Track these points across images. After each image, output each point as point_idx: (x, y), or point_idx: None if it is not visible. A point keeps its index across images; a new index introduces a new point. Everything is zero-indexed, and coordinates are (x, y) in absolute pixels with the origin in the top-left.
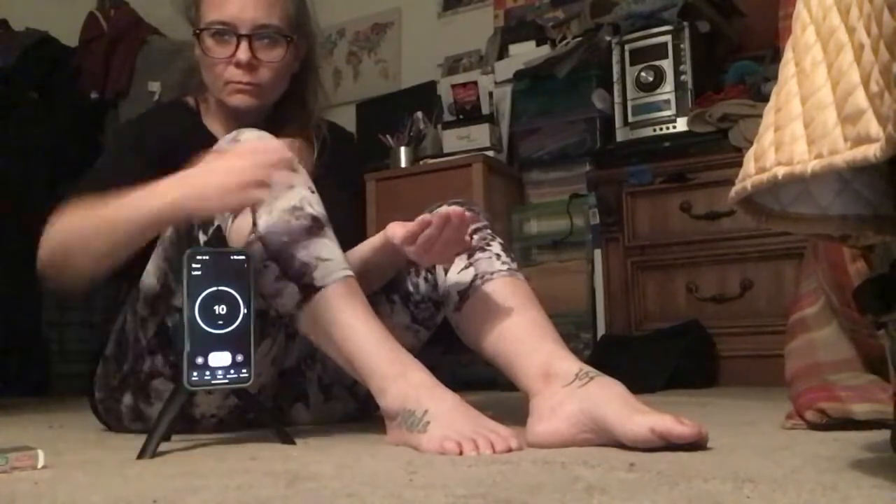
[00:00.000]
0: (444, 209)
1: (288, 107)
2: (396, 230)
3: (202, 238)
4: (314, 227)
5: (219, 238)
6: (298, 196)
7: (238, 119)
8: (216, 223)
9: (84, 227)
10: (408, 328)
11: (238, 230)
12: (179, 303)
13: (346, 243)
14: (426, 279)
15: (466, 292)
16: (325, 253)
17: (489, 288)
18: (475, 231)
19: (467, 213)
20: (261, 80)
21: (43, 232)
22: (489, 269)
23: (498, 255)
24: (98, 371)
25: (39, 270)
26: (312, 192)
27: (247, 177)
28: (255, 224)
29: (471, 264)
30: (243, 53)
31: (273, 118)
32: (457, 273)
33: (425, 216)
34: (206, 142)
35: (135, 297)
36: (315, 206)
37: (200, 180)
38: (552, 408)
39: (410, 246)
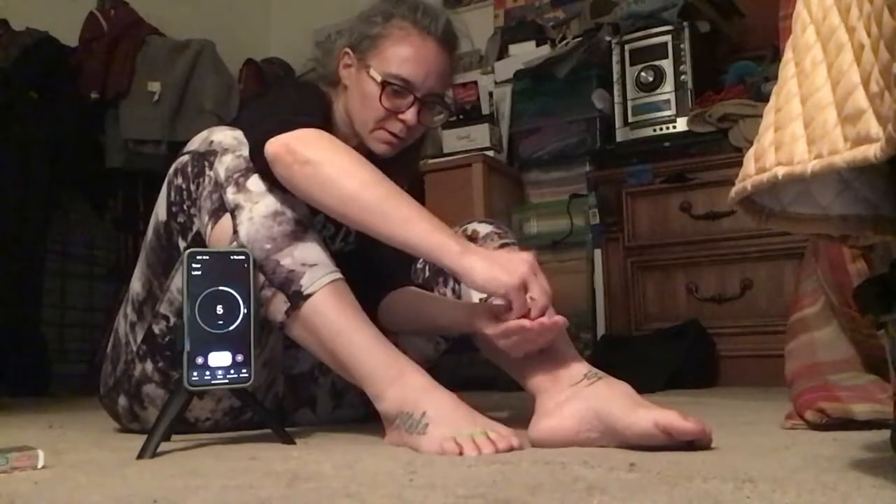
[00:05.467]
0: (555, 318)
1: (402, 155)
2: (489, 325)
3: (182, 245)
4: (297, 231)
5: (199, 246)
6: (279, 199)
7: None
8: (195, 228)
9: (362, 185)
10: (430, 339)
11: (218, 238)
12: (164, 309)
13: (402, 270)
14: (453, 290)
15: (487, 299)
16: (311, 257)
17: None
18: (503, 246)
19: (496, 231)
20: (411, 137)
21: (285, 121)
22: None
23: None
24: (102, 368)
25: (267, 150)
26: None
27: (522, 275)
28: (235, 232)
29: None
30: (412, 116)
31: (386, 162)
32: None
33: (524, 322)
34: None
35: (127, 299)
36: (297, 209)
37: (485, 253)
38: (558, 405)
39: (503, 340)
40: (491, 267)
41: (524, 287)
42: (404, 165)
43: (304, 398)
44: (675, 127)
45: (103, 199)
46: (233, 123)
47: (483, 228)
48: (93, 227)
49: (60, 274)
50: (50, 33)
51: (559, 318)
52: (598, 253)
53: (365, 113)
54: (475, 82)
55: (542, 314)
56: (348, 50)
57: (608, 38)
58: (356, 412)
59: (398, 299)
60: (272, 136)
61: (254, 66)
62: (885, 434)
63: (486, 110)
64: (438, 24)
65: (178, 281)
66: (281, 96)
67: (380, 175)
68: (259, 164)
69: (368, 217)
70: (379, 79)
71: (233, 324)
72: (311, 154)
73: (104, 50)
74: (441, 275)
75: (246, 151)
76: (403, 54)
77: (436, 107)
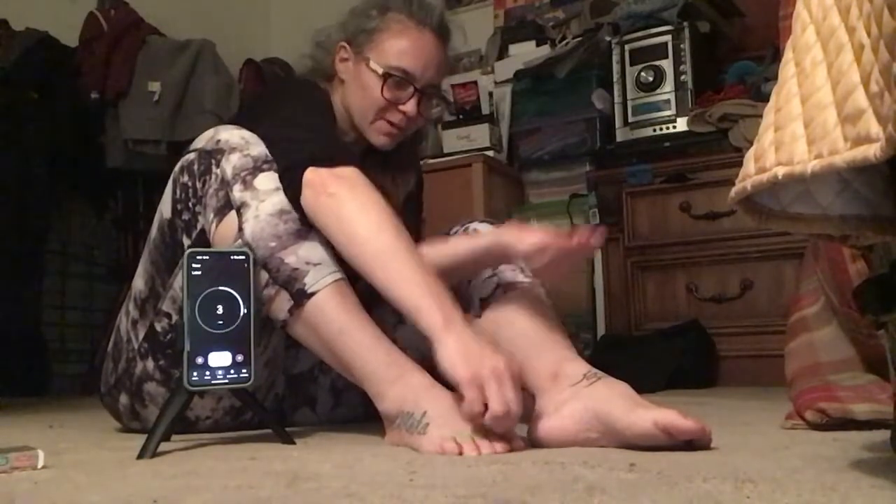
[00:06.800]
0: (591, 228)
1: (402, 150)
2: (523, 237)
3: (186, 242)
4: (302, 230)
5: (203, 243)
6: (285, 198)
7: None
8: (200, 226)
9: (366, 235)
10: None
11: (223, 236)
12: (166, 307)
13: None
14: (452, 288)
15: (488, 299)
16: (315, 256)
17: (509, 296)
18: None
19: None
20: (410, 129)
21: (324, 157)
22: (512, 280)
23: (522, 269)
24: (104, 366)
25: (305, 174)
26: None
27: (480, 378)
28: (241, 230)
29: (495, 274)
30: (413, 107)
31: (387, 158)
32: (481, 281)
33: (561, 242)
34: None
35: (129, 297)
36: None
37: (459, 339)
38: (557, 406)
39: (538, 258)
40: (457, 354)
41: (478, 386)
42: (406, 159)
43: (303, 398)
44: (675, 127)
45: (103, 199)
46: (239, 124)
47: (484, 228)
48: (93, 227)
49: (60, 274)
50: (50, 33)
51: (599, 234)
52: (598, 253)
53: (365, 105)
54: (475, 82)
55: (501, 426)
56: (345, 44)
57: (608, 38)
58: (355, 411)
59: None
60: (316, 164)
61: (254, 66)
62: (885, 434)
63: (486, 110)
64: (433, 15)
65: (181, 279)
66: (299, 108)
67: (394, 224)
68: (289, 181)
69: (370, 263)
70: (380, 71)
71: (233, 324)
72: (339, 190)
73: (104, 50)
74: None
75: (253, 150)
76: (402, 47)
77: (433, 98)
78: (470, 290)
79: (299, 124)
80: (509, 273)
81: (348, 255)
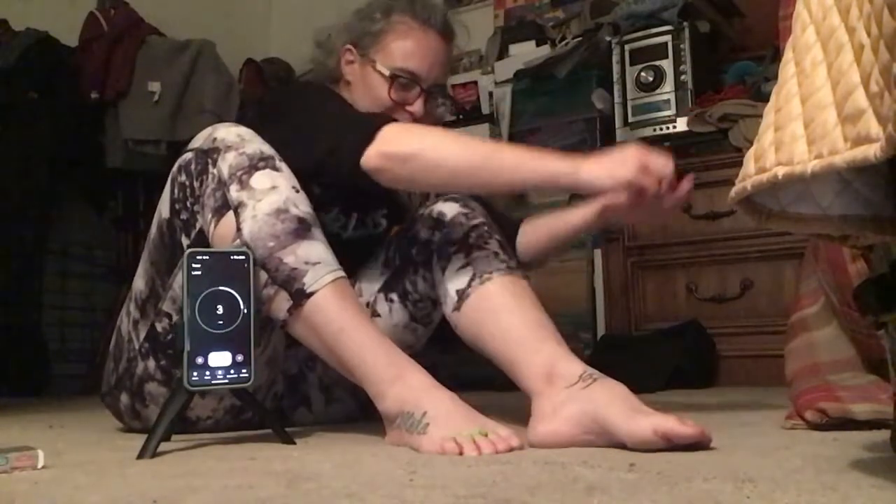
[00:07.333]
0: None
1: None
2: (620, 200)
3: (185, 242)
4: (300, 229)
5: (202, 243)
6: (283, 197)
7: None
8: (198, 226)
9: (463, 152)
10: (406, 327)
11: (221, 236)
12: (167, 307)
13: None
14: (424, 277)
15: (465, 292)
16: (314, 255)
17: (488, 287)
18: (472, 228)
19: (462, 212)
20: None
21: (376, 131)
22: (487, 268)
23: (496, 254)
24: (105, 366)
25: (366, 167)
26: (297, 191)
27: (638, 160)
28: (239, 230)
29: (468, 263)
30: (420, 107)
31: None
32: (454, 272)
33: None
34: None
35: (130, 297)
36: (301, 206)
37: (595, 158)
38: (554, 408)
39: (637, 209)
40: (606, 169)
41: (644, 169)
42: None
43: (298, 398)
44: (675, 127)
45: (103, 199)
46: (259, 126)
47: (449, 209)
48: (93, 227)
49: (60, 274)
50: (50, 33)
51: (686, 185)
52: (598, 253)
53: (373, 106)
54: (475, 82)
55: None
56: (350, 46)
57: (608, 38)
58: (348, 407)
59: (529, 231)
60: (362, 153)
61: (254, 66)
62: (885, 434)
63: (486, 110)
64: (437, 15)
65: (181, 279)
66: (320, 104)
67: (468, 138)
68: (360, 177)
69: (481, 180)
70: (387, 73)
71: (233, 324)
72: (403, 150)
73: (104, 50)
74: (411, 263)
75: (249, 148)
76: (408, 48)
77: (438, 97)
78: (445, 283)
79: (331, 121)
80: (483, 261)
81: (456, 188)
